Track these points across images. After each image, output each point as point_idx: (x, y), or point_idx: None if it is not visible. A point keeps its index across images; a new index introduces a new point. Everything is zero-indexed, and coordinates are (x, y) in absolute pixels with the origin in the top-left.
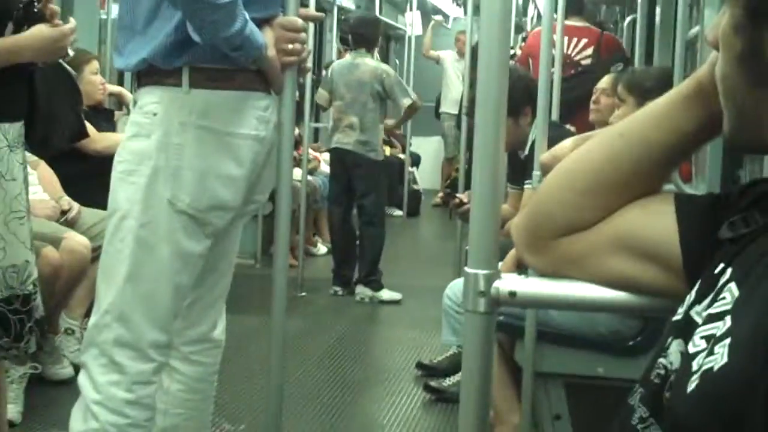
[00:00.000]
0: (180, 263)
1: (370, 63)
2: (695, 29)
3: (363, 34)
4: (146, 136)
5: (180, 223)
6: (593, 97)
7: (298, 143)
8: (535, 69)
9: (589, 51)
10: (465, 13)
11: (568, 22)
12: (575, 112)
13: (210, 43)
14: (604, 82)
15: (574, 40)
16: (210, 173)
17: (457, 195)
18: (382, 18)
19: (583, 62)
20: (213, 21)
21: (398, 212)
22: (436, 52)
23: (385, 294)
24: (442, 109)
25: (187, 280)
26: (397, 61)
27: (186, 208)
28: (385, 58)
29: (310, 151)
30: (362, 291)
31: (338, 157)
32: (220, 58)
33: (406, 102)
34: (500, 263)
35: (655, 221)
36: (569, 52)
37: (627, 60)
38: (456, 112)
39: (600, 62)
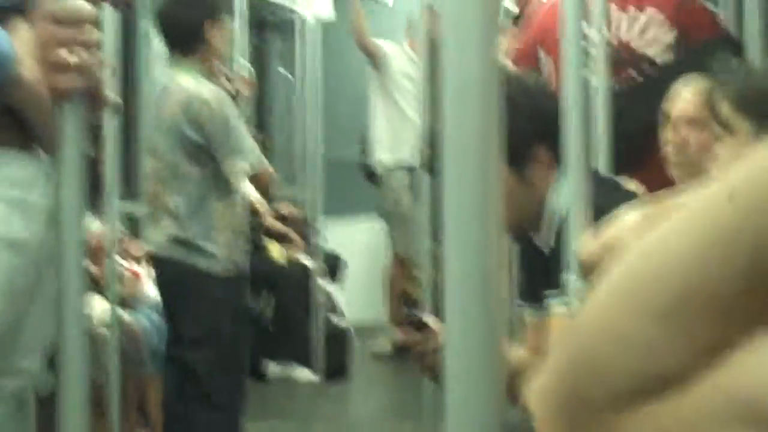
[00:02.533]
0: None
1: (184, 83)
2: None
3: (171, 20)
4: None
5: None
6: (670, 134)
7: (97, 250)
8: (554, 71)
9: (663, 32)
10: None
11: None
12: (641, 156)
13: None
14: (688, 97)
15: (631, 10)
16: None
17: (423, 317)
18: None
19: (653, 53)
20: None
21: (306, 374)
22: (377, 43)
23: None
24: (381, 160)
25: None
26: (287, 73)
27: None
28: (261, 67)
29: (123, 263)
30: None
31: (156, 270)
32: None
33: (234, 166)
34: None
35: None
36: (624, 36)
37: (736, 47)
38: (410, 164)
39: (687, 53)
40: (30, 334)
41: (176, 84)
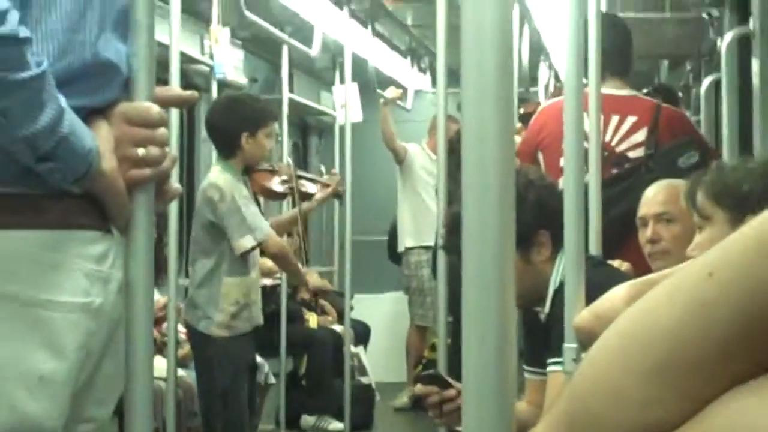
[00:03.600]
0: None
1: (211, 175)
2: None
3: (214, 129)
4: None
5: None
6: (648, 233)
7: (158, 317)
8: (550, 168)
9: (641, 135)
10: (433, 83)
11: (605, 90)
12: (623, 241)
13: (2, 148)
14: (655, 197)
15: (615, 119)
16: (6, 372)
17: (442, 376)
18: (296, 98)
19: (632, 154)
20: (4, 110)
21: (336, 425)
22: (402, 144)
23: None
24: (405, 244)
25: None
26: (322, 167)
27: None
28: (302, 160)
29: (180, 327)
30: None
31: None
32: (20, 175)
33: (240, 244)
34: None
35: None
36: (609, 139)
37: (705, 147)
38: (429, 244)
39: (660, 153)
40: (101, 386)
41: (207, 178)
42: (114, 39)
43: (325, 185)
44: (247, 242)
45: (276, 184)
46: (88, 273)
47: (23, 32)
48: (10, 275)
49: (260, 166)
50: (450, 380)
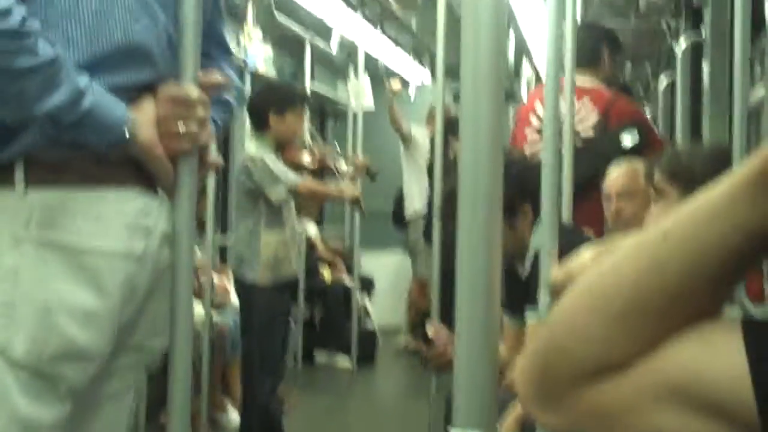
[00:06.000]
0: None
1: (248, 148)
2: (760, 92)
3: (249, 107)
4: None
5: (16, 381)
6: (612, 207)
7: (197, 269)
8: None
9: (593, 118)
10: (433, 77)
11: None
12: (574, 206)
13: (36, 123)
14: (618, 176)
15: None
16: (57, 307)
17: (429, 330)
18: (318, 91)
19: (584, 134)
20: (19, 92)
21: (344, 362)
22: (407, 125)
23: None
24: (412, 210)
25: None
26: (337, 145)
27: (22, 358)
28: (320, 142)
29: (216, 277)
30: None
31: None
32: (63, 142)
33: (275, 193)
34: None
35: (717, 359)
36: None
37: (646, 129)
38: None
39: (607, 135)
40: (151, 321)
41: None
42: (151, 26)
43: (356, 165)
44: (280, 191)
45: (304, 159)
46: (128, 225)
47: (28, 26)
48: (59, 226)
49: (292, 143)
50: (439, 330)
